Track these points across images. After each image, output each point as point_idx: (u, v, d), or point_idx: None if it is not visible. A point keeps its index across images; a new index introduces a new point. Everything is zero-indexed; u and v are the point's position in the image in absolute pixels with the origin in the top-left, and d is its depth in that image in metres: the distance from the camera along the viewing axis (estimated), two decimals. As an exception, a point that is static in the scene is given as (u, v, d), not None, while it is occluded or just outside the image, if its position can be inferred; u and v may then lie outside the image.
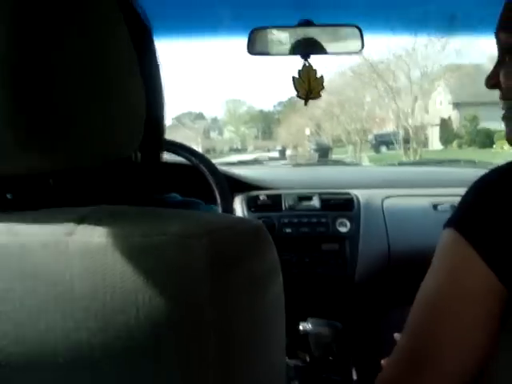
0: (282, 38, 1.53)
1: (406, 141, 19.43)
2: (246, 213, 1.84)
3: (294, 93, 1.52)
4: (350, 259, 1.81)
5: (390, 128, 23.84)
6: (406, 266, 1.78)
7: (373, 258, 1.82)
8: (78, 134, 0.44)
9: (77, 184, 0.57)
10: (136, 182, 0.69)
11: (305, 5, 1.54)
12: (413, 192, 2.01)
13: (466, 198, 0.74)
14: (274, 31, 1.54)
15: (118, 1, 0.50)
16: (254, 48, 1.50)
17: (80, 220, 0.42)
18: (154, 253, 0.40)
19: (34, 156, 0.43)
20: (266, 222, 1.79)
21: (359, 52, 1.55)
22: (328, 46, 1.53)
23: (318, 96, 1.53)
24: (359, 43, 1.52)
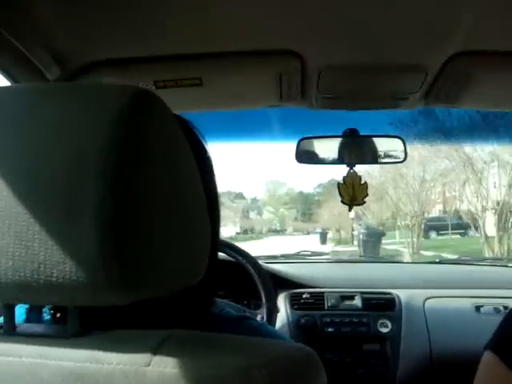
0: (328, 147, 1.63)
1: (458, 226, 18.91)
2: (289, 311, 1.88)
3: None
4: (392, 360, 1.81)
5: (438, 211, 23.24)
6: (448, 369, 1.76)
7: (414, 360, 1.81)
8: (158, 270, 0.50)
9: (146, 306, 0.64)
10: (198, 297, 0.75)
11: (350, 119, 1.65)
12: (455, 293, 2.01)
13: (505, 323, 0.78)
14: (321, 141, 1.65)
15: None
16: (301, 157, 1.60)
17: (155, 350, 0.48)
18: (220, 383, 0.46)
19: (116, 293, 0.48)
20: (308, 321, 1.83)
21: (402, 162, 1.63)
22: (372, 156, 1.62)
23: (362, 202, 1.60)
24: (403, 154, 1.61)
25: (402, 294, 1.95)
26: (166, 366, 0.46)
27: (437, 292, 2.01)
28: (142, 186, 0.48)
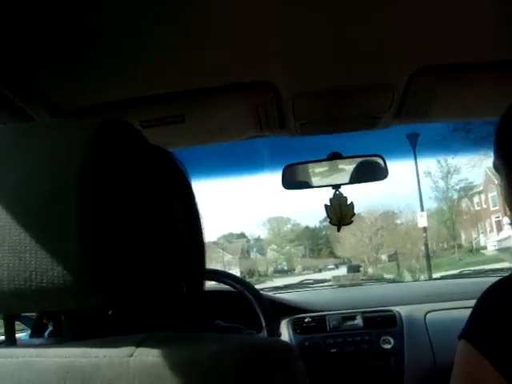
0: (313, 172, 1.70)
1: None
2: (291, 335, 1.91)
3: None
4: (397, 374, 1.83)
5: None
6: None
7: (420, 373, 1.83)
8: (134, 275, 0.56)
9: (131, 314, 0.70)
10: (183, 310, 0.81)
11: (334, 143, 1.72)
12: (455, 304, 2.03)
13: (475, 309, 0.83)
14: (306, 166, 1.72)
15: (163, 163, 0.64)
16: (287, 184, 1.67)
17: (138, 344, 0.53)
18: (196, 368, 0.51)
19: (97, 296, 0.54)
20: (311, 343, 1.86)
21: (384, 178, 1.70)
22: (356, 176, 1.69)
23: (349, 222, 1.66)
24: (384, 171, 1.68)
25: (403, 310, 1.98)
26: (147, 355, 0.52)
27: (437, 305, 2.03)
28: (116, 201, 0.54)
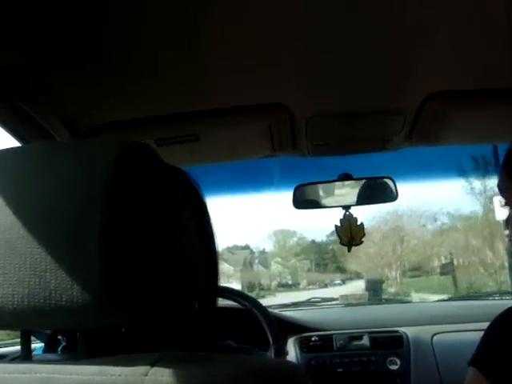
0: (323, 192, 1.71)
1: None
2: (298, 354, 1.91)
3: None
4: None
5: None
6: None
7: None
8: (151, 294, 0.57)
9: (144, 331, 0.71)
10: (195, 327, 0.82)
11: (344, 163, 1.74)
12: (462, 327, 2.02)
13: (486, 336, 0.83)
14: (316, 187, 1.73)
15: (179, 183, 0.66)
16: (298, 203, 1.69)
17: (153, 363, 0.54)
18: None
19: (115, 315, 0.55)
20: (318, 363, 1.86)
21: (394, 200, 1.71)
22: (366, 197, 1.70)
23: (360, 242, 1.67)
24: (394, 193, 1.69)
25: (410, 331, 1.98)
26: (162, 375, 0.53)
27: (444, 327, 2.03)
28: (137, 223, 0.56)
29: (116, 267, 0.53)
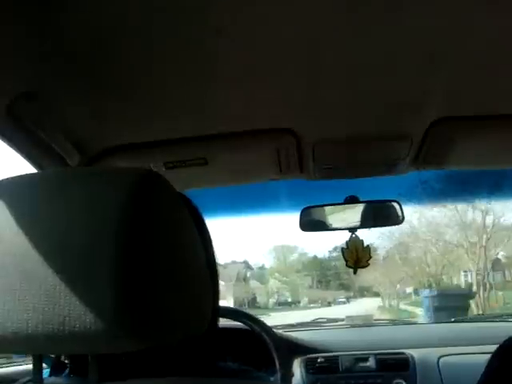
0: (330, 215, 1.72)
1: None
2: (304, 375, 1.91)
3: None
4: None
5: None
6: None
7: None
8: (164, 320, 0.58)
9: (150, 354, 0.72)
10: (198, 349, 0.82)
11: (350, 185, 1.75)
12: (469, 349, 2.02)
13: (490, 364, 0.83)
14: (323, 209, 1.74)
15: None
16: (305, 226, 1.70)
17: None
18: None
19: (129, 341, 0.56)
20: None
21: (400, 223, 1.72)
22: (372, 220, 1.71)
23: (366, 265, 1.68)
24: (400, 216, 1.71)
25: (416, 354, 1.97)
26: None
27: (451, 350, 2.02)
28: (150, 252, 0.57)
29: (129, 295, 0.54)
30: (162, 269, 0.59)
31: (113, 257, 0.54)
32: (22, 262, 0.56)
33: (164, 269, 0.59)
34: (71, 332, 0.54)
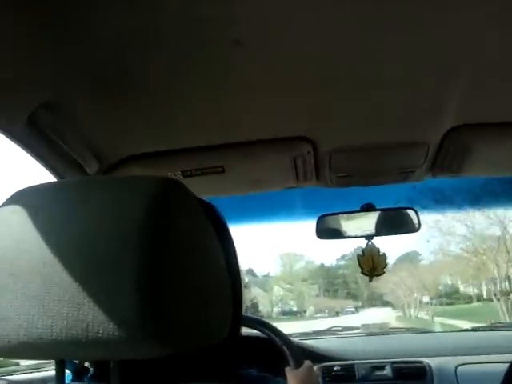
0: (346, 223, 1.72)
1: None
2: (320, 383, 1.90)
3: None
4: None
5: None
6: None
7: None
8: (186, 325, 0.59)
9: (171, 360, 0.72)
10: (220, 356, 0.82)
11: (363, 192, 1.75)
12: (487, 358, 2.00)
13: (508, 373, 0.82)
14: (339, 217, 1.74)
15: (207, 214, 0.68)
16: (321, 233, 1.70)
17: None
18: None
19: (152, 347, 0.56)
20: None
21: (416, 231, 1.71)
22: (389, 228, 1.71)
23: (382, 273, 1.67)
24: (417, 224, 1.70)
25: (433, 362, 1.96)
26: None
27: (469, 358, 2.00)
28: (173, 258, 0.58)
29: (152, 301, 0.54)
30: (183, 275, 0.59)
31: (136, 263, 0.54)
32: (47, 269, 0.56)
33: (185, 275, 0.59)
34: (94, 338, 0.54)
